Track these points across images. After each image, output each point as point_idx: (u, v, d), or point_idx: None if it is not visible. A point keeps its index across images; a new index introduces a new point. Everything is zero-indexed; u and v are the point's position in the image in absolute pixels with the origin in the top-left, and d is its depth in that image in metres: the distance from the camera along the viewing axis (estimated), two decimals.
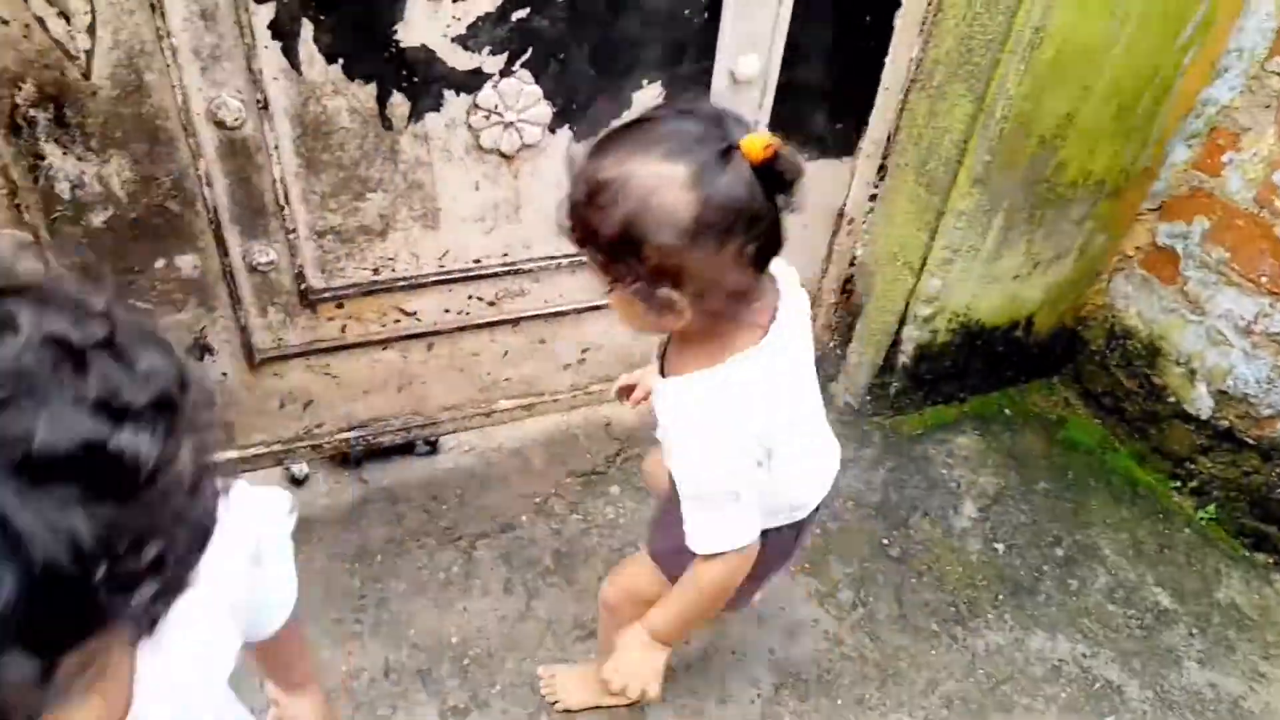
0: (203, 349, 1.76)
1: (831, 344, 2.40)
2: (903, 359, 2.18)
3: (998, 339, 2.26)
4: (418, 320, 1.89)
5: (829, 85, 1.87)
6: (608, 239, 0.95)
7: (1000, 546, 2.08)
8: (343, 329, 1.84)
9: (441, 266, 1.82)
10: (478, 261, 1.84)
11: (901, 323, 2.13)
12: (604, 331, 2.09)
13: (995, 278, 2.10)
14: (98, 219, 1.50)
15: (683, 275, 0.96)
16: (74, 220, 1.49)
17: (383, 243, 1.74)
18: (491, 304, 1.93)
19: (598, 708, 1.71)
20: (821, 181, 2.02)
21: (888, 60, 1.89)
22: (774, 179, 0.93)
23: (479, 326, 1.95)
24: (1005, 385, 2.41)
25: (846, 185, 2.06)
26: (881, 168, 2.05)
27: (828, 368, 2.42)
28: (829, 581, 1.97)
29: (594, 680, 1.53)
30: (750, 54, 1.73)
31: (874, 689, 1.79)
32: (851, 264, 2.22)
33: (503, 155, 1.70)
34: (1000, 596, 1.98)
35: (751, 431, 1.08)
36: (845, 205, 2.10)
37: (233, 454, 1.97)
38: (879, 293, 2.17)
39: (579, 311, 2.02)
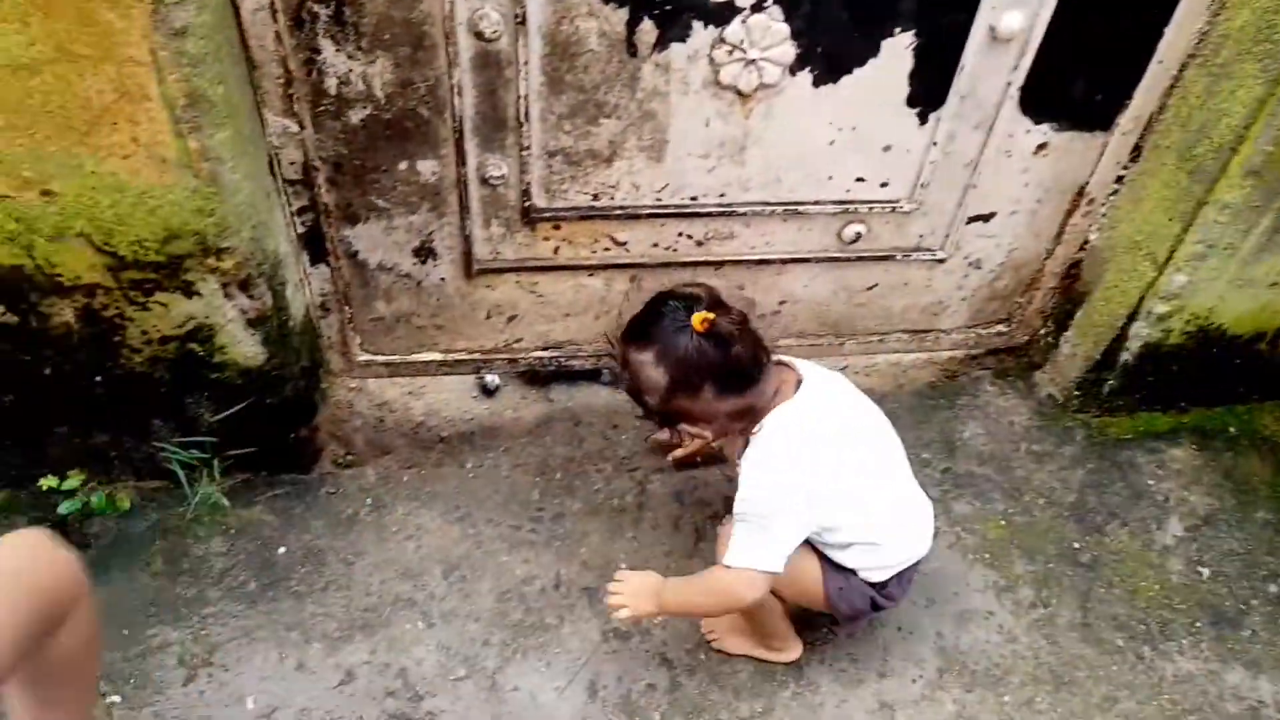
0: (428, 253, 1.84)
1: (1043, 331, 2.26)
2: (1125, 357, 2.02)
3: (1238, 349, 2.06)
4: (626, 251, 1.91)
5: (1096, 53, 1.72)
6: (642, 405, 1.48)
7: (1205, 571, 1.92)
8: (555, 250, 1.88)
9: (658, 200, 1.82)
10: (694, 199, 1.83)
11: (1131, 318, 1.97)
12: (805, 286, 2.05)
13: (1249, 281, 1.91)
14: (356, 116, 1.59)
15: (688, 416, 1.45)
16: (335, 115, 1.58)
17: (607, 170, 1.75)
18: (699, 243, 1.92)
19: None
20: (1067, 155, 1.87)
21: (1167, 30, 1.72)
22: (719, 339, 1.36)
23: (683, 264, 1.95)
24: (1235, 401, 2.20)
25: (1093, 163, 1.91)
26: (1137, 147, 1.89)
27: (1034, 355, 2.28)
28: (1009, 575, 1.88)
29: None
30: (1015, 10, 1.61)
31: (1045, 693, 1.71)
32: (1082, 248, 2.07)
33: (738, 93, 1.67)
34: (1198, 624, 1.83)
35: (792, 469, 1.42)
36: (1088, 184, 1.94)
37: (436, 357, 2.07)
38: (1109, 282, 2.01)
39: (783, 262, 1.98)
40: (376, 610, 1.78)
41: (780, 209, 1.87)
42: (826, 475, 1.44)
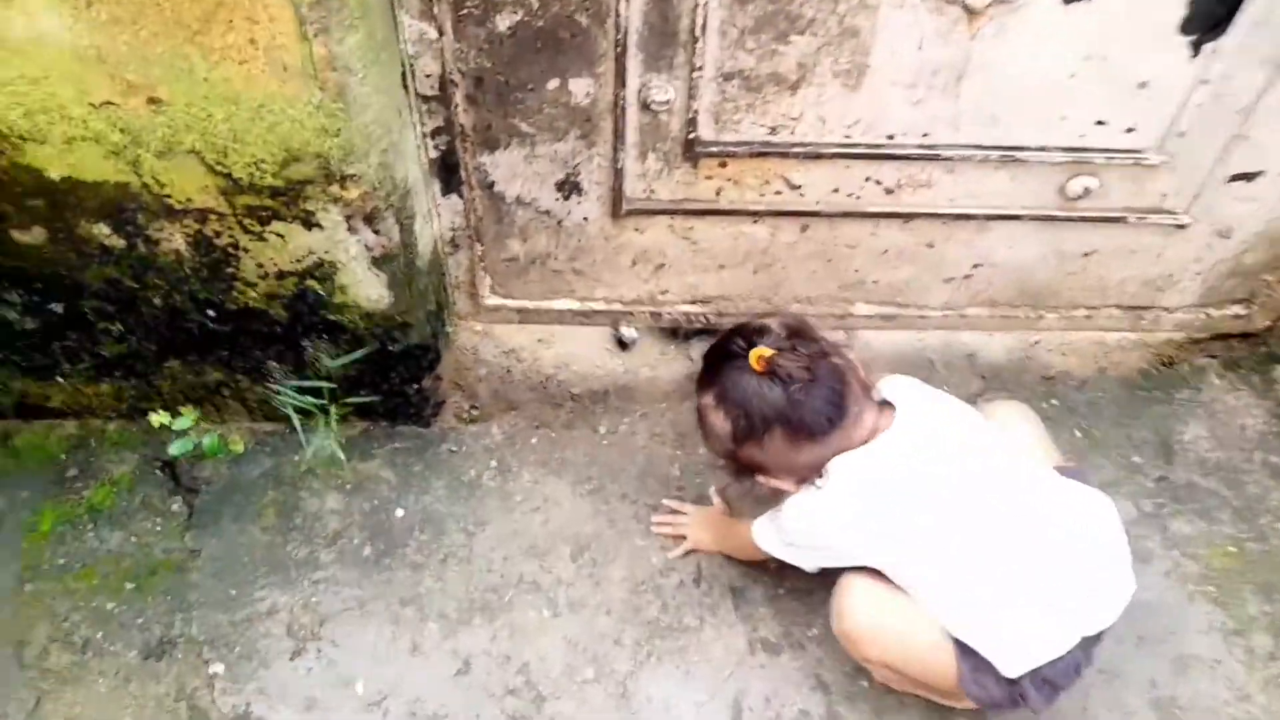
0: (572, 187, 1.60)
1: None
2: None
3: None
4: (800, 196, 1.62)
5: None
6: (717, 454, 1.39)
7: None
8: (718, 191, 1.61)
9: (847, 137, 1.52)
10: (890, 138, 1.53)
11: None
12: (1009, 248, 1.73)
13: None
14: (504, 23, 1.34)
15: (760, 467, 1.32)
16: (480, 20, 1.34)
17: (790, 98, 1.46)
18: (889, 191, 1.62)
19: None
20: None
21: None
22: (780, 380, 1.22)
23: (865, 215, 1.66)
24: None
25: None
26: None
27: (1274, 344, 1.90)
28: (1241, 616, 1.56)
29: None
30: None
31: None
32: None
33: (966, 8, 1.34)
34: None
35: (835, 533, 1.32)
36: None
37: (572, 305, 1.85)
38: None
39: (988, 219, 1.66)
40: (498, 591, 1.60)
41: (995, 155, 1.55)
42: (891, 540, 1.29)
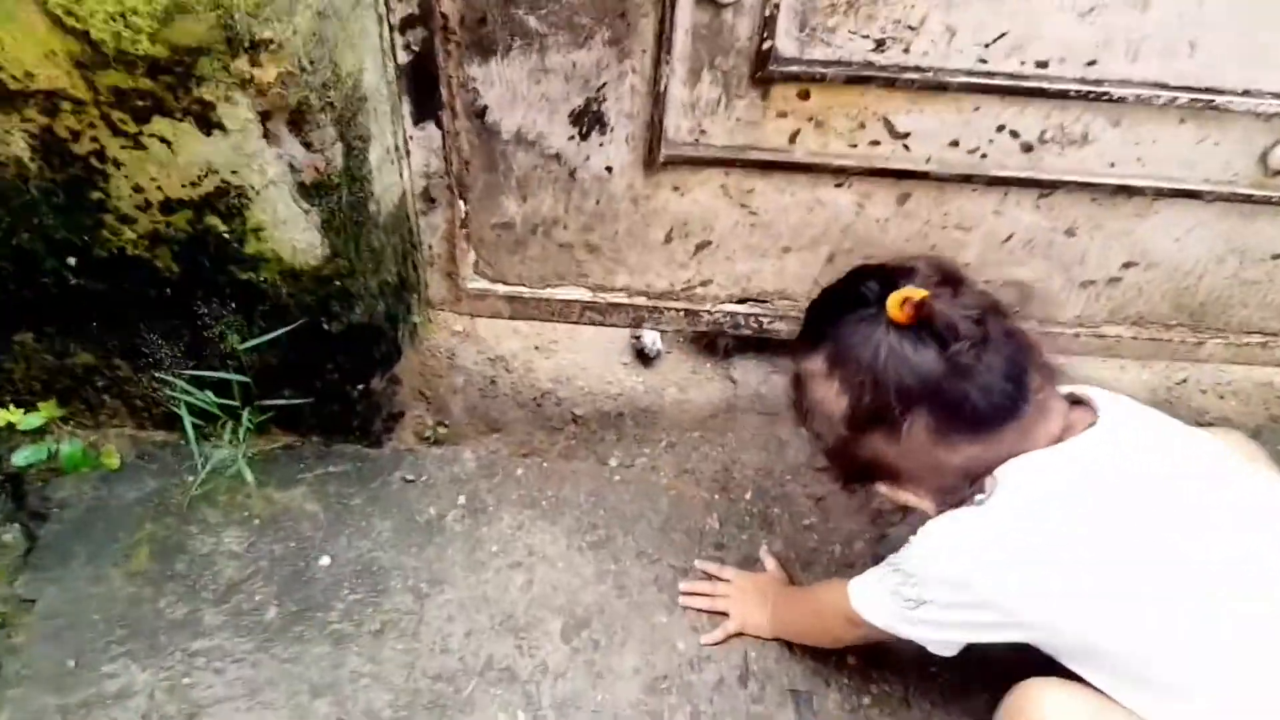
0: (593, 120, 1.16)
1: None
2: None
3: None
4: (906, 149, 1.18)
5: None
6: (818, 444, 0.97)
7: None
8: (792, 137, 1.17)
9: (982, 62, 1.09)
10: (1042, 65, 1.09)
11: None
12: (1176, 241, 1.28)
13: None
14: None
15: (885, 469, 0.92)
16: None
17: None
18: (1028, 149, 1.18)
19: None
20: None
21: None
22: (934, 335, 0.83)
23: (991, 183, 1.21)
24: None
25: None
26: None
27: None
28: None
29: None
30: None
31: None
32: None
33: None
34: None
35: (994, 575, 0.87)
36: None
37: (582, 294, 1.40)
38: None
39: (1155, 194, 1.22)
40: (455, 681, 1.11)
41: (1182, 99, 1.11)
42: (1102, 598, 0.85)
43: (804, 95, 1.13)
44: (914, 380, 0.84)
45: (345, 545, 1.24)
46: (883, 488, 0.94)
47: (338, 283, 1.12)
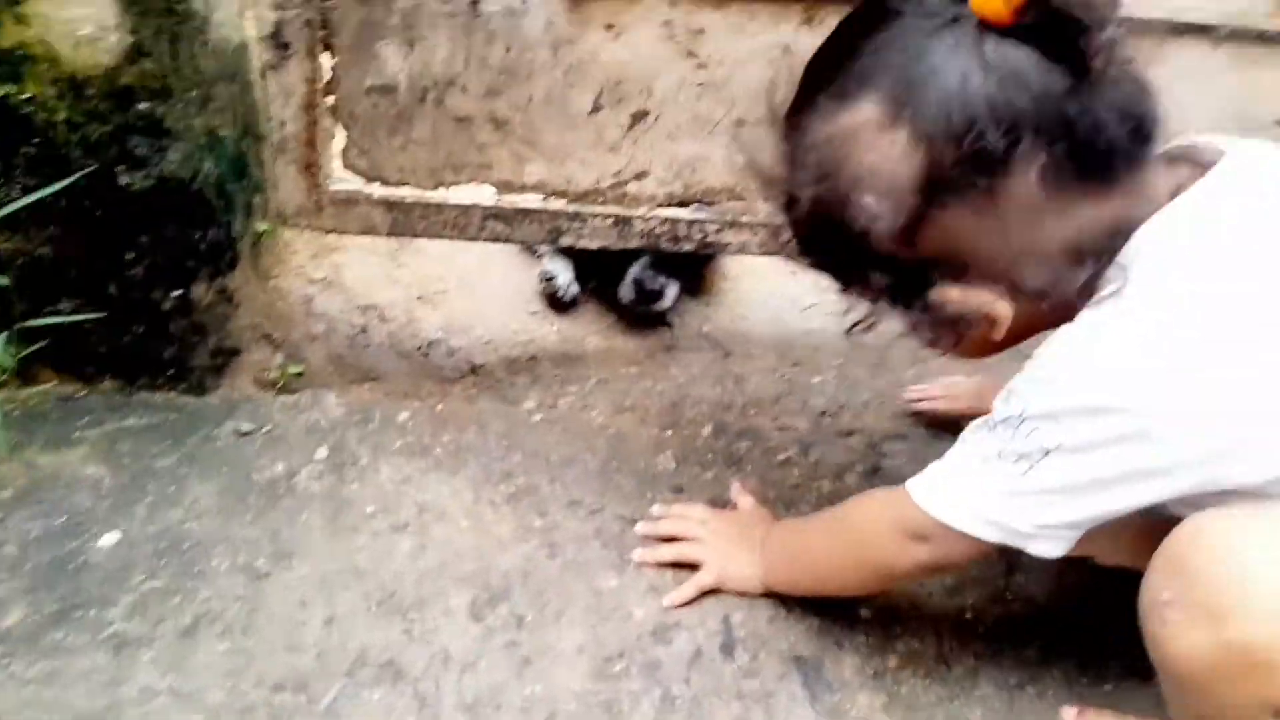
0: None
1: None
2: None
3: None
4: None
5: None
6: (834, 253, 0.68)
7: None
8: None
9: None
10: None
11: None
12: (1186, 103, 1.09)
13: None
14: None
15: (958, 258, 0.63)
16: None
17: None
18: None
19: None
20: None
21: None
22: (1051, 35, 0.57)
23: None
24: None
25: None
26: None
27: None
28: None
29: None
30: None
31: None
32: None
33: None
34: None
35: (1169, 367, 0.59)
36: None
37: (484, 196, 1.08)
38: None
39: (1168, 30, 1.03)
40: (307, 687, 0.72)
41: None
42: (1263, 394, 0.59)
43: None
44: (1029, 104, 0.57)
45: (143, 518, 0.84)
46: (949, 292, 0.64)
47: (144, 104, 0.78)
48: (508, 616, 0.79)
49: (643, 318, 1.21)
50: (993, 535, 0.65)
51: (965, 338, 0.67)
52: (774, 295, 1.27)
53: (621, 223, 1.12)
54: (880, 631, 0.82)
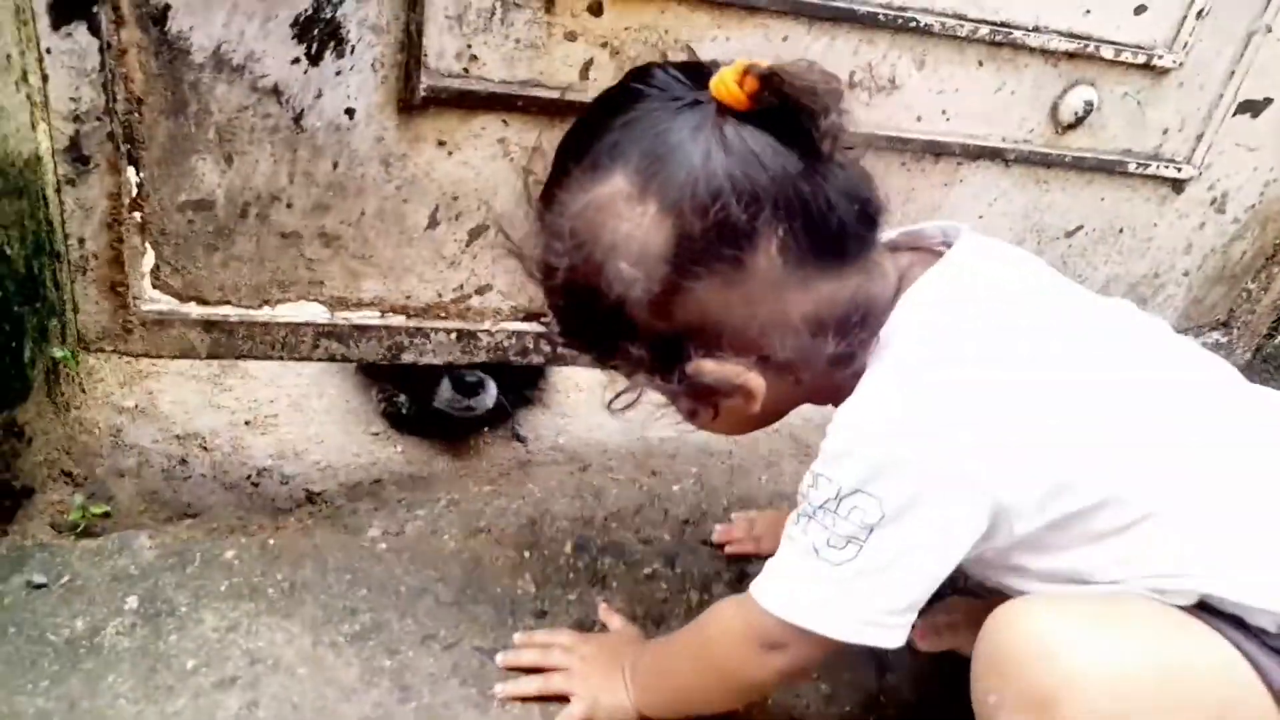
0: (327, 32, 0.88)
1: (1273, 338, 1.49)
2: None
3: None
4: None
5: None
6: (590, 325, 0.69)
7: None
8: (584, 69, 0.96)
9: None
10: None
11: None
12: (986, 207, 1.20)
13: None
14: None
15: (707, 330, 0.66)
16: None
17: None
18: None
19: None
20: None
21: None
22: (782, 120, 0.62)
23: None
24: None
25: None
26: None
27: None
28: None
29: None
30: None
31: None
32: None
33: None
34: None
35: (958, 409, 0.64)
36: None
37: (317, 313, 1.03)
38: None
39: (962, 153, 1.14)
40: None
41: (984, 33, 1.06)
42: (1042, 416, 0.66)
43: (595, 9, 0.93)
44: (767, 181, 0.61)
45: None
46: (704, 364, 0.66)
47: None
48: None
49: (462, 424, 1.18)
50: (843, 631, 0.65)
51: (721, 410, 0.70)
52: None
53: (466, 337, 1.09)
54: None
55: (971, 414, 0.63)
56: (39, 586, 0.81)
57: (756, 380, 0.67)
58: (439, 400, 1.17)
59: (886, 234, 0.74)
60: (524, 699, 0.79)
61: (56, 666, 0.75)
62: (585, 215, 0.64)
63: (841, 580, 0.64)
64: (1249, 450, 0.68)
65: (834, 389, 0.68)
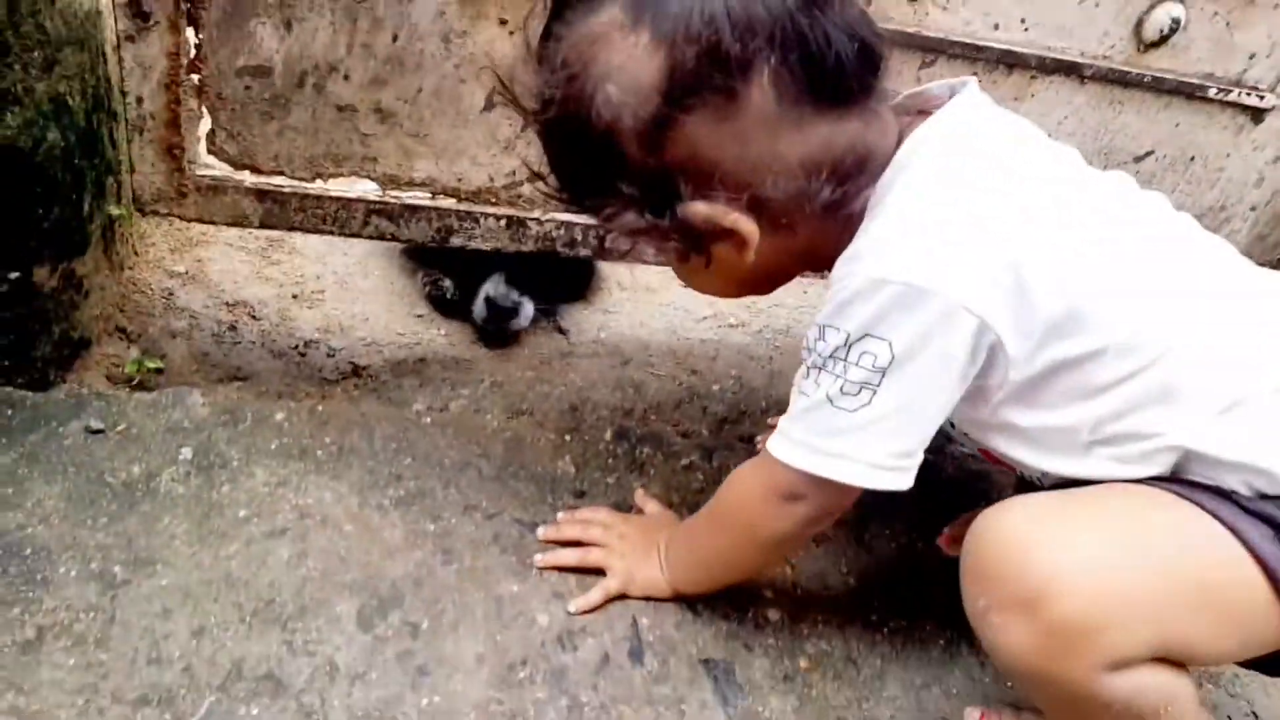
0: None
1: None
2: None
3: None
4: None
5: None
6: (582, 163, 0.67)
7: None
8: None
9: None
10: None
11: None
12: (1055, 126, 1.17)
13: None
14: None
15: (700, 169, 0.64)
16: None
17: None
18: None
19: None
20: None
21: None
22: None
23: None
24: None
25: None
26: None
27: None
28: None
29: None
30: None
31: None
32: None
33: None
34: None
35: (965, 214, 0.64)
36: None
37: (367, 191, 1.03)
38: None
39: (1036, 67, 1.10)
40: (173, 702, 0.65)
41: None
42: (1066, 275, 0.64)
43: None
44: (762, 13, 0.60)
45: None
46: (696, 206, 0.65)
47: None
48: (400, 625, 0.74)
49: (497, 336, 1.18)
50: (859, 477, 0.66)
51: (714, 259, 0.68)
52: (669, 307, 1.27)
53: (516, 224, 1.09)
54: (788, 633, 0.82)
55: (972, 252, 0.62)
56: (97, 432, 0.84)
57: (749, 225, 0.65)
58: (475, 314, 1.17)
59: (894, 98, 0.72)
60: (561, 569, 0.81)
61: (115, 506, 0.78)
62: (579, 46, 0.63)
63: (856, 426, 0.65)
64: (1245, 303, 0.67)
65: (830, 246, 0.67)
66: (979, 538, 0.64)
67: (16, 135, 0.75)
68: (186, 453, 0.84)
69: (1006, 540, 0.62)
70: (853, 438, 0.65)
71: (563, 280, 1.24)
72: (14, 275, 0.81)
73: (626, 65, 0.61)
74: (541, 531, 0.83)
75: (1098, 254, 0.65)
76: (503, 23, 0.95)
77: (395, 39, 0.94)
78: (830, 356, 0.65)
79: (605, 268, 1.31)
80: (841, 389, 0.64)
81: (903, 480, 0.66)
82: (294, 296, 1.15)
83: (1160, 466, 0.65)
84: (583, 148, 0.66)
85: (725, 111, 0.62)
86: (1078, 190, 0.69)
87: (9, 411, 0.84)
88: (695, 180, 0.64)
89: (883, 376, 0.63)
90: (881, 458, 0.65)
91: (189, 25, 0.90)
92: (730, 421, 1.04)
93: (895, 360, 0.62)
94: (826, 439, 0.66)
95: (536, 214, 1.09)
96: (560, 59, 0.64)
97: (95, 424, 0.84)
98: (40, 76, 0.77)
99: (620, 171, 0.65)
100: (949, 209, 0.64)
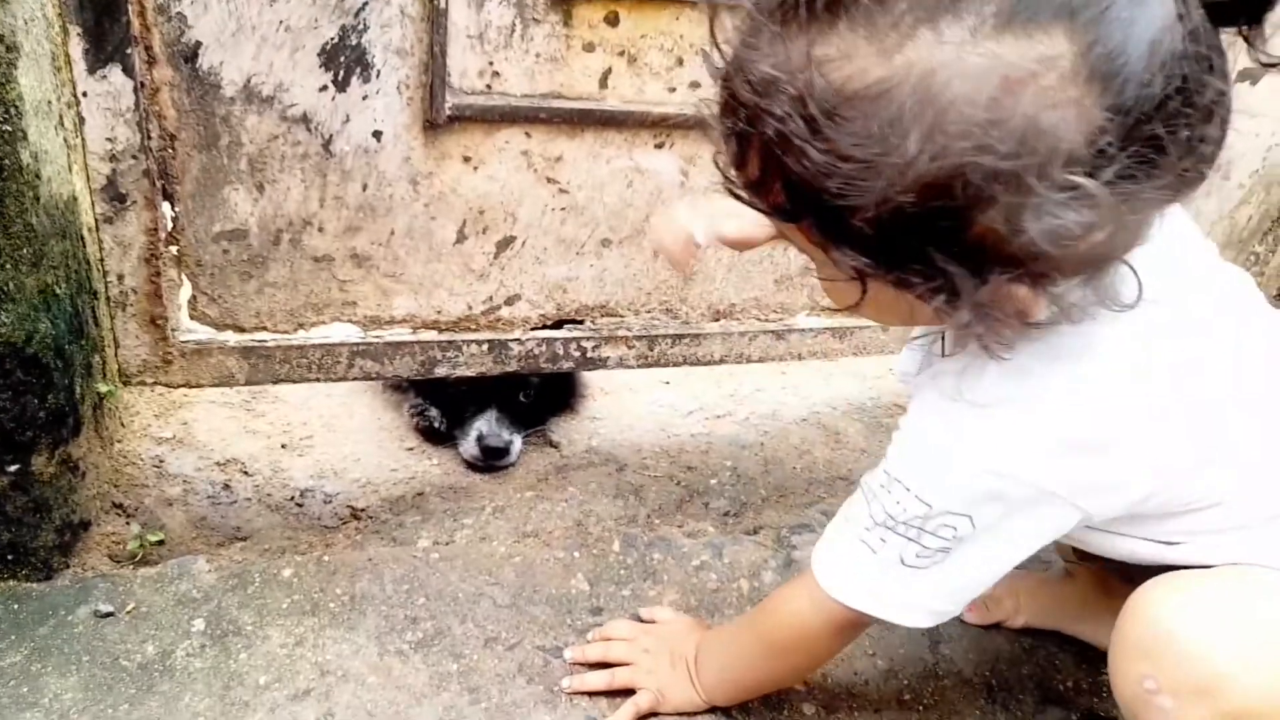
0: (353, 58, 0.90)
1: None
2: None
3: None
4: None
5: None
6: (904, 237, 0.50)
7: None
8: (604, 79, 0.98)
9: None
10: None
11: None
12: None
13: None
14: None
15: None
16: None
17: None
18: None
19: None
20: None
21: None
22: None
23: None
24: None
25: None
26: None
27: None
28: None
29: None
30: None
31: None
32: None
33: None
34: None
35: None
36: None
37: (350, 334, 1.05)
38: None
39: None
40: None
41: None
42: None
43: (611, 19, 0.96)
44: (1185, 83, 0.49)
45: None
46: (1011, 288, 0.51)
47: None
48: None
49: (486, 470, 1.18)
50: (923, 621, 0.68)
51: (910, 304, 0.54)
52: (654, 405, 1.29)
53: (498, 347, 1.11)
54: None
55: (1103, 463, 0.61)
56: (106, 615, 0.83)
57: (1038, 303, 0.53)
58: (465, 452, 1.16)
59: None
60: (591, 693, 0.81)
61: (133, 690, 0.76)
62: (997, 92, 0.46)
63: (928, 582, 0.66)
64: None
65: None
66: (1144, 618, 0.63)
67: (11, 331, 0.77)
68: (199, 624, 0.83)
69: (1179, 619, 0.61)
70: (923, 591, 0.66)
71: (548, 396, 1.26)
72: (13, 468, 0.81)
73: (1062, 131, 0.47)
74: (568, 654, 0.83)
75: (1204, 429, 0.63)
76: (466, 160, 0.99)
77: (365, 188, 0.97)
78: (904, 523, 0.64)
79: (585, 375, 1.33)
80: (916, 555, 0.65)
81: (952, 615, 0.68)
82: (283, 446, 1.16)
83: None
84: (915, 225, 0.49)
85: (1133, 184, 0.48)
86: (1212, 347, 0.63)
87: (15, 606, 0.82)
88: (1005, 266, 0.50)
89: (960, 544, 0.63)
90: (946, 606, 0.67)
91: (164, 200, 0.93)
92: (733, 515, 1.05)
93: (976, 532, 0.62)
94: (897, 591, 0.67)
95: (517, 334, 1.12)
96: (884, 105, 0.47)
97: (104, 607, 0.83)
98: (30, 271, 0.78)
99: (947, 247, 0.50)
100: (1094, 406, 0.59)
